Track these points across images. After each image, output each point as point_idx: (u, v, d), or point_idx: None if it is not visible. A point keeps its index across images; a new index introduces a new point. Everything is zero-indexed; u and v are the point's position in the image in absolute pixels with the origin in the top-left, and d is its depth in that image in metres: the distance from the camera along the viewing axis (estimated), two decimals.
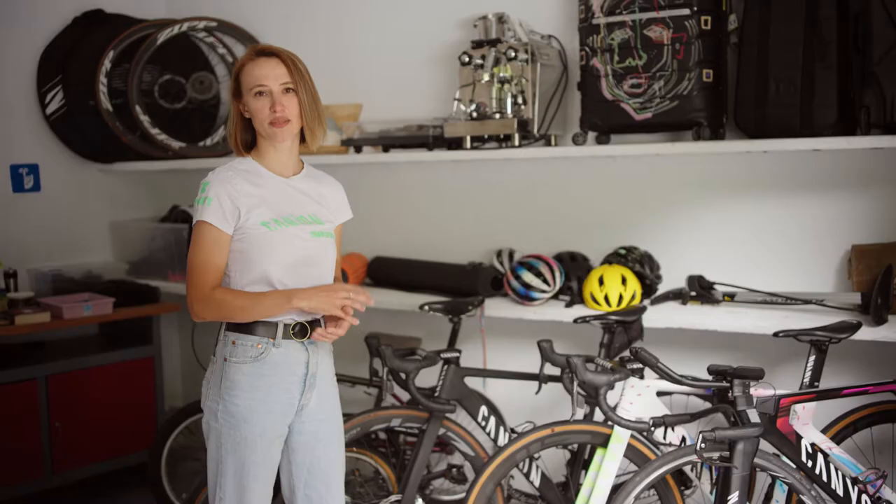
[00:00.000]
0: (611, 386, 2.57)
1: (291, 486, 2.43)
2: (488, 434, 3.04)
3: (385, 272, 3.86)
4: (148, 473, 3.60)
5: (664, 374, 2.38)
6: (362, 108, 3.97)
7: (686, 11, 2.94)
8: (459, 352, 3.02)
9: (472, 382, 3.14)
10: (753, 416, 2.33)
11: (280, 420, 2.34)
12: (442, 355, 2.99)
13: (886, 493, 2.53)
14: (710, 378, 2.40)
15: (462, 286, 3.51)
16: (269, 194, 2.32)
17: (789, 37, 2.81)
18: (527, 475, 2.91)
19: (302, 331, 2.33)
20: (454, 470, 3.42)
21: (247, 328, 2.29)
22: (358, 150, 3.72)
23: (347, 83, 4.04)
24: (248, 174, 2.33)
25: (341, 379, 3.42)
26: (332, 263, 2.43)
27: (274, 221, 2.29)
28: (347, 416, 2.95)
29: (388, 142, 3.63)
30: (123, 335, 4.25)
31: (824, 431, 2.71)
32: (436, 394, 2.95)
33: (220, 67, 4.53)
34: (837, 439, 2.71)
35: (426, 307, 3.30)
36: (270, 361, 2.30)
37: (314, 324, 2.35)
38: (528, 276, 3.28)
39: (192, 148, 4.34)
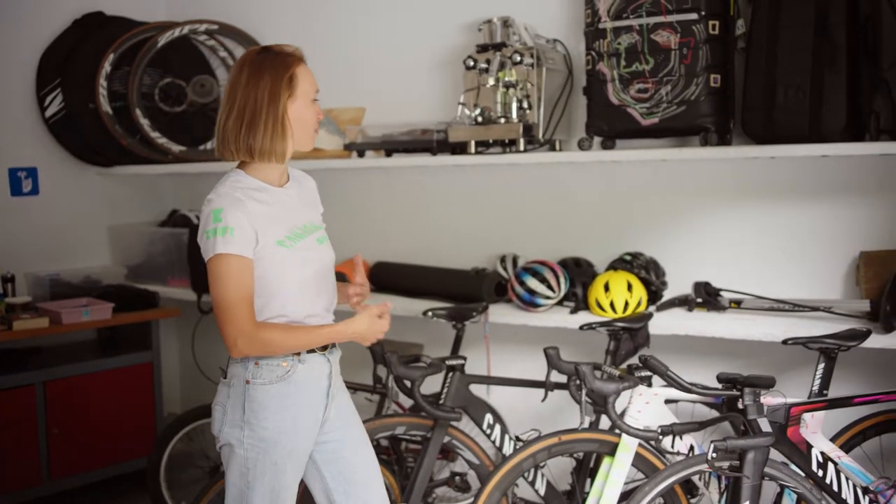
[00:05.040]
0: (619, 394, 2.55)
1: (332, 502, 2.35)
2: (493, 442, 3.01)
3: (387, 277, 3.82)
4: (147, 480, 3.55)
5: (674, 383, 2.35)
6: (365, 112, 3.94)
7: (694, 16, 2.91)
8: (465, 359, 2.99)
9: (476, 390, 3.11)
10: (765, 424, 2.30)
11: (309, 438, 2.27)
12: (447, 362, 2.95)
13: None
14: (721, 386, 2.37)
15: (466, 292, 3.48)
16: (277, 210, 2.22)
17: (798, 42, 2.79)
18: (532, 483, 2.88)
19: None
20: (457, 478, 3.38)
21: None
22: (361, 154, 3.69)
23: (350, 86, 4.02)
24: (253, 192, 2.20)
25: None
26: (334, 267, 2.39)
27: (288, 238, 2.20)
28: None
29: (392, 146, 3.60)
30: (122, 340, 4.21)
31: (833, 440, 2.68)
32: (441, 401, 2.92)
33: (220, 70, 4.50)
34: (846, 448, 2.69)
35: (430, 313, 3.27)
36: (296, 379, 2.22)
37: None
38: (532, 282, 3.25)
39: (192, 151, 4.31)
